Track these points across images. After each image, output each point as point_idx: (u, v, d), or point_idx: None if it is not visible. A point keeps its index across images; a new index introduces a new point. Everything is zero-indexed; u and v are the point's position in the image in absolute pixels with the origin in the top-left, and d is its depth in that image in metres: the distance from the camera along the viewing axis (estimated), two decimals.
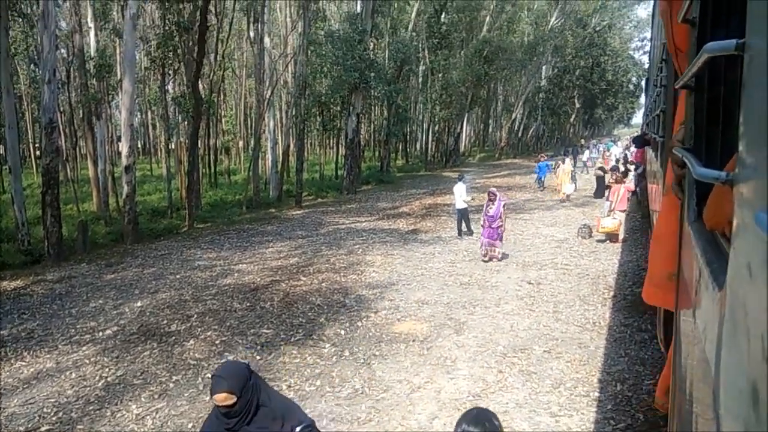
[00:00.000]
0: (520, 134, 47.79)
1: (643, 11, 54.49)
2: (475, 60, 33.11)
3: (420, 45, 32.18)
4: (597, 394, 5.01)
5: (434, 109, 34.62)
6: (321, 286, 8.97)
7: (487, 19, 35.60)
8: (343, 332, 6.82)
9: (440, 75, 33.01)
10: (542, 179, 21.38)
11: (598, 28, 42.83)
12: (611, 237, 11.46)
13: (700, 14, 1.59)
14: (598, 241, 11.63)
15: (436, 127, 37.60)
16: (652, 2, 10.11)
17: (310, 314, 7.56)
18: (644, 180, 11.96)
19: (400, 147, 42.05)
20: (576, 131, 57.75)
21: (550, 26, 39.77)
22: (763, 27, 0.71)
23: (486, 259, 10.09)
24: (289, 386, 5.38)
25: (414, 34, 31.18)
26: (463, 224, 12.67)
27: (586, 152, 31.29)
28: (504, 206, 10.24)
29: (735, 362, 0.76)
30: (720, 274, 1.00)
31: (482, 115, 51.98)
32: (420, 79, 35.34)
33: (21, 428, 4.72)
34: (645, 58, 43.12)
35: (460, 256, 10.82)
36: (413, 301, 7.96)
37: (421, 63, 33.36)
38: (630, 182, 14.10)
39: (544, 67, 44.56)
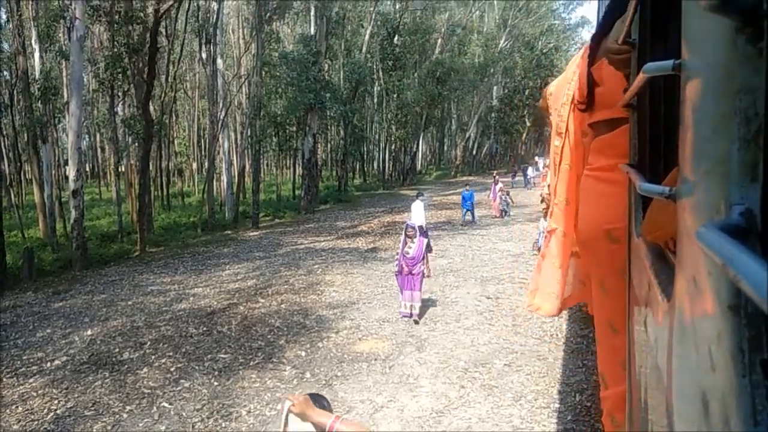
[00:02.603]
0: (474, 152, 48.71)
1: (587, 33, 56.88)
2: (428, 81, 33.76)
3: (374, 66, 32.60)
4: (557, 406, 5.10)
5: (390, 129, 35.01)
6: (280, 307, 8.84)
7: (439, 41, 36.46)
8: (303, 354, 6.74)
9: (395, 95, 33.47)
10: (470, 211, 17.77)
11: (545, 50, 44.42)
12: None
13: (639, 36, 1.68)
14: None
15: (393, 147, 37.96)
16: (594, 27, 10.31)
17: (269, 337, 7.43)
18: None
19: (358, 166, 42.20)
20: (528, 148, 59.34)
21: (499, 48, 41.00)
22: (698, 46, 0.75)
23: (409, 317, 7.70)
24: (249, 411, 5.26)
25: (368, 55, 31.57)
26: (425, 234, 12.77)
27: (530, 169, 32.12)
28: (427, 245, 7.91)
29: (685, 371, 0.79)
30: (668, 286, 1.04)
31: (437, 134, 52.81)
32: (375, 100, 35.73)
33: None
34: None
35: None
36: (374, 320, 7.94)
37: (376, 84, 33.76)
38: None
39: (495, 88, 45.78)
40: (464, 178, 38.39)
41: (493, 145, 51.91)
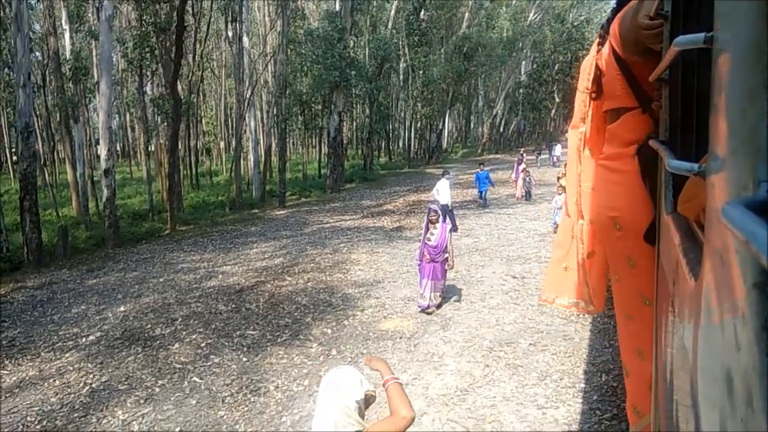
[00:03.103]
0: (501, 129, 48.04)
1: None
2: (455, 56, 33.22)
3: (400, 42, 32.21)
4: (583, 386, 5.07)
5: (416, 106, 34.69)
6: (307, 285, 8.95)
7: (466, 15, 35.74)
8: (329, 331, 6.82)
9: (421, 72, 33.07)
10: (483, 194, 16.45)
11: (575, 23, 43.18)
12: None
13: (672, 8, 1.61)
14: None
15: (419, 124, 37.66)
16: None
17: (296, 314, 7.54)
18: None
19: (383, 145, 42.06)
20: (557, 125, 58.27)
21: (528, 22, 40.03)
22: (730, 20, 0.72)
23: (429, 310, 7.16)
24: (277, 387, 5.36)
25: (394, 31, 31.19)
26: (448, 220, 12.74)
27: (558, 147, 30.11)
28: (451, 229, 7.54)
29: (710, 351, 0.78)
30: (696, 265, 1.01)
31: (464, 112, 52.19)
32: (401, 77, 35.37)
33: None
34: None
35: None
36: (399, 299, 7.97)
37: (402, 60, 33.39)
38: None
39: (523, 63, 44.86)
40: (491, 156, 37.98)
41: (521, 122, 51.07)
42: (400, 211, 17.02)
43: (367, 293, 8.29)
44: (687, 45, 1.07)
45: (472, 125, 56.32)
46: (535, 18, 40.48)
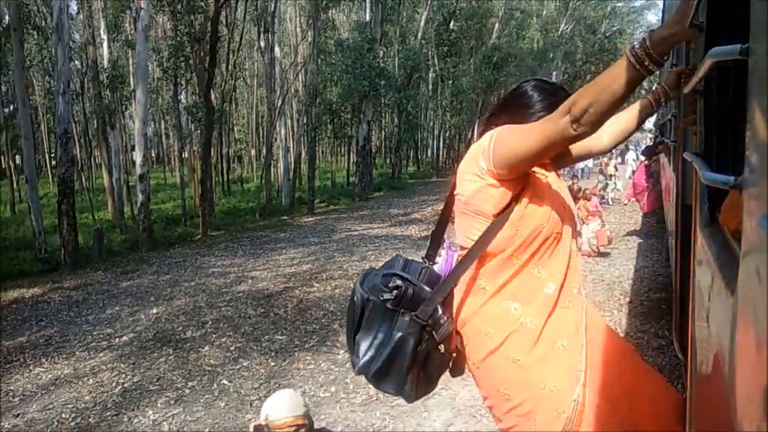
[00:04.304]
0: None
1: (654, 16, 54.26)
2: (484, 67, 33.16)
3: (429, 52, 32.31)
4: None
5: (445, 116, 34.70)
6: (334, 292, 9.00)
7: (497, 26, 35.68)
8: None
9: (450, 82, 33.09)
10: None
11: (608, 34, 42.72)
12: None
13: (708, 18, 1.61)
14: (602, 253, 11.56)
15: (447, 134, 37.64)
16: (661, 7, 9.73)
17: (323, 320, 7.59)
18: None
19: (412, 154, 42.14)
20: None
21: (559, 32, 39.76)
22: (764, 31, 0.72)
23: None
24: (304, 392, 5.41)
25: (423, 41, 31.31)
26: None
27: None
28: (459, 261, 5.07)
29: (747, 369, 0.76)
30: (732, 279, 1.00)
31: None
32: (430, 87, 35.44)
33: None
34: None
35: None
36: None
37: (431, 70, 33.47)
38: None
39: (554, 73, 44.45)
40: None
41: None
42: (428, 220, 17.00)
43: None
44: (722, 56, 1.07)
45: None
46: (567, 29, 40.19)
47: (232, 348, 6.67)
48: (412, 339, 1.75)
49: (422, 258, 2.07)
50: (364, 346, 1.82)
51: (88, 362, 6.46)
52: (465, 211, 1.82)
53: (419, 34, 30.94)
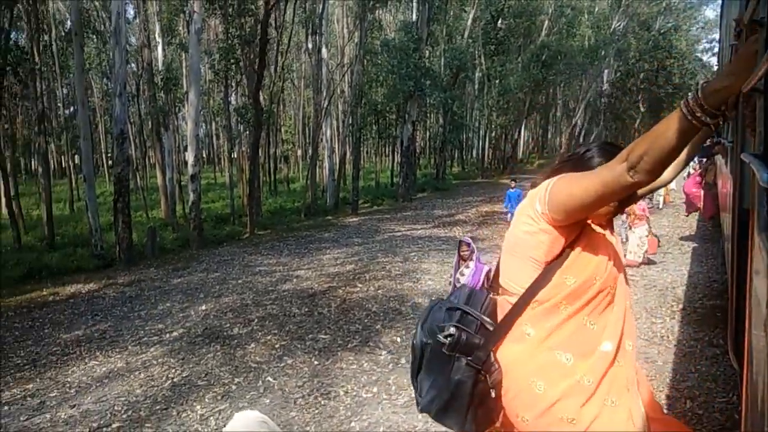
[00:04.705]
0: (581, 140, 46.49)
1: (711, 12, 52.06)
2: (533, 65, 32.56)
3: (476, 51, 31.96)
4: (665, 411, 4.78)
5: (491, 116, 34.25)
6: (377, 293, 9.02)
7: (546, 23, 34.98)
8: (399, 340, 6.83)
9: (497, 81, 32.65)
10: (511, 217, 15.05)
11: (663, 31, 41.14)
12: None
13: None
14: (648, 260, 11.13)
15: (493, 134, 37.14)
16: (720, 3, 9.29)
17: (366, 321, 7.61)
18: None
19: (456, 154, 41.84)
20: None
21: (612, 29, 38.58)
22: None
23: None
24: (347, 392, 5.43)
25: (470, 40, 31.00)
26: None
27: None
28: (488, 274, 5.53)
29: None
30: None
31: (541, 121, 50.97)
32: (476, 86, 35.06)
33: (94, 424, 4.98)
34: (714, 60, 41.09)
35: None
36: None
37: (478, 69, 33.10)
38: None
39: (606, 71, 43.25)
40: None
41: (603, 132, 49.24)
42: (472, 221, 16.83)
43: None
44: None
45: (549, 135, 54.89)
46: (619, 25, 38.97)
47: (277, 346, 6.77)
48: (468, 382, 1.80)
49: (487, 288, 2.05)
50: (425, 386, 1.89)
51: (140, 356, 6.68)
52: (515, 254, 1.80)
53: (466, 33, 30.65)
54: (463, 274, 5.62)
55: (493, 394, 1.82)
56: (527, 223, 1.73)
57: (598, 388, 1.66)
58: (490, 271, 5.44)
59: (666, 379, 5.41)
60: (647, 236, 9.93)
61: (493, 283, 2.02)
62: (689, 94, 1.39)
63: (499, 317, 1.83)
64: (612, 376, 1.69)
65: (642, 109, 43.38)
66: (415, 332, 1.97)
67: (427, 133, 41.21)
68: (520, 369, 1.73)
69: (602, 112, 44.93)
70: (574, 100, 45.91)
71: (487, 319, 1.86)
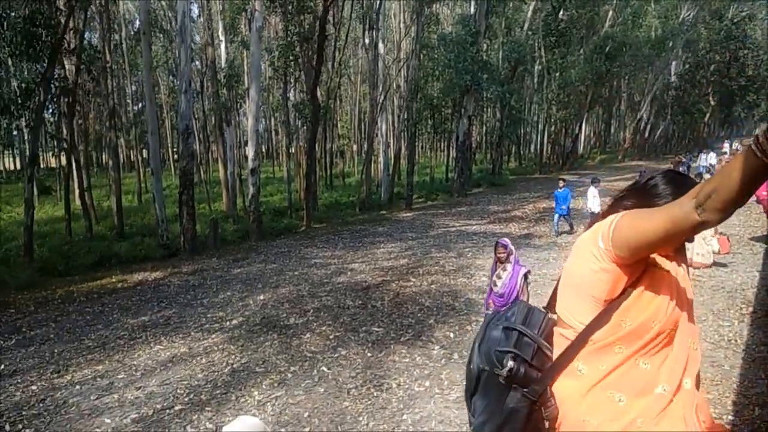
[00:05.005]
0: (646, 135, 44.66)
1: None
2: (595, 57, 31.51)
3: (536, 44, 31.23)
4: (731, 418, 4.57)
5: (550, 110, 33.42)
6: (430, 288, 9.02)
7: (610, 13, 33.72)
8: (452, 335, 6.81)
9: (557, 74, 31.81)
10: (566, 218, 13.18)
11: (736, 20, 38.81)
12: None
13: None
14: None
15: (552, 128, 36.24)
16: None
17: (419, 315, 7.63)
18: None
19: (513, 149, 41.09)
20: (712, 131, 52.77)
21: (680, 19, 36.77)
22: None
23: None
24: (399, 385, 5.48)
25: (530, 32, 30.32)
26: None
27: (705, 155, 24.52)
28: (525, 276, 5.30)
29: None
30: None
31: (603, 115, 49.30)
32: (535, 79, 34.28)
33: (158, 406, 5.24)
34: None
35: None
36: None
37: (537, 62, 32.35)
38: None
39: (673, 63, 41.29)
40: (633, 163, 35.46)
41: (669, 127, 47.07)
42: (529, 217, 16.52)
43: None
44: None
45: (612, 130, 52.99)
46: (689, 15, 37.09)
47: (331, 337, 6.90)
48: (523, 411, 1.80)
49: (543, 308, 2.02)
50: (479, 408, 1.92)
51: (201, 342, 6.96)
52: (574, 288, 1.75)
53: (526, 25, 29.99)
54: (500, 277, 5.28)
55: (547, 425, 1.80)
56: (588, 260, 1.68)
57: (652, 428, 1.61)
58: (528, 273, 5.28)
59: (732, 385, 5.16)
60: (713, 236, 9.46)
61: (549, 303, 1.98)
62: (758, 131, 1.32)
63: (554, 348, 1.80)
64: (669, 416, 1.63)
65: (712, 103, 41.17)
66: (471, 352, 1.96)
67: (484, 128, 40.69)
68: (572, 406, 1.70)
69: (669, 105, 42.93)
70: (639, 93, 44.14)
71: (545, 343, 1.83)
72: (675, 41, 36.54)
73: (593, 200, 12.20)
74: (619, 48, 31.77)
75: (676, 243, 1.62)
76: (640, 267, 1.64)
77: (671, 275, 1.69)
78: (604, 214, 1.80)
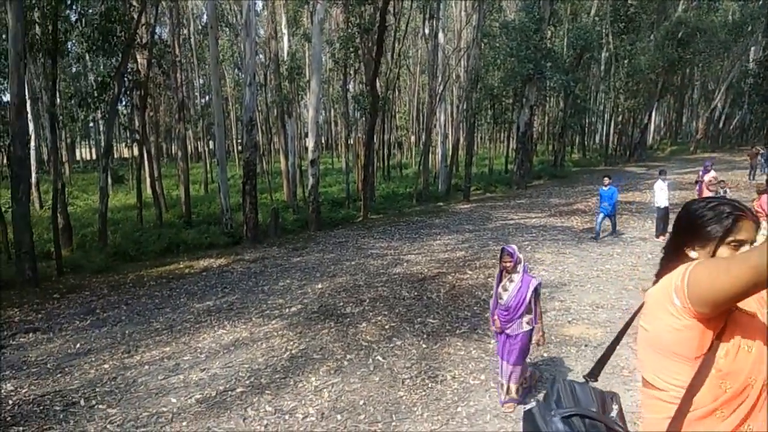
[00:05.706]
0: (720, 125, 42.18)
1: None
2: (667, 43, 30.00)
3: (603, 30, 30.03)
4: None
5: (617, 99, 32.11)
6: (487, 281, 8.93)
7: None
8: None
9: (626, 61, 30.49)
10: (610, 218, 12.32)
11: None
12: None
13: None
14: None
15: (619, 118, 34.85)
16: None
17: (475, 308, 7.58)
18: None
19: (577, 140, 39.81)
20: None
21: (761, 1, 34.35)
22: None
23: (507, 407, 4.77)
24: (453, 377, 5.47)
25: (597, 18, 29.18)
26: (662, 224, 11.69)
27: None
28: (536, 289, 4.71)
29: None
30: None
31: (674, 104, 46.96)
32: (602, 67, 32.99)
33: (221, 387, 5.46)
34: None
35: (644, 259, 9.96)
36: (587, 304, 7.54)
37: (604, 49, 31.11)
38: None
39: (752, 49, 38.68)
40: (705, 155, 33.61)
41: (746, 116, 44.25)
42: (592, 211, 15.98)
43: (551, 295, 7.99)
44: None
45: (684, 120, 50.36)
46: None
47: (386, 327, 6.96)
48: None
49: (584, 377, 1.94)
50: None
51: (262, 328, 7.19)
52: (655, 348, 1.62)
53: (593, 11, 28.90)
54: (506, 289, 4.77)
55: None
56: (665, 319, 1.55)
57: None
58: (539, 286, 4.77)
59: None
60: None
61: (595, 368, 1.93)
62: None
63: (646, 413, 1.68)
64: None
65: None
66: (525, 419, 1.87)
67: (546, 118, 39.59)
68: None
69: (746, 94, 40.25)
70: (713, 81, 41.72)
71: (618, 422, 1.73)
72: (754, 25, 34.19)
73: (660, 194, 11.65)
74: (692, 34, 30.08)
75: (759, 291, 1.46)
76: (723, 317, 1.52)
77: (758, 319, 1.56)
78: (664, 262, 1.70)
